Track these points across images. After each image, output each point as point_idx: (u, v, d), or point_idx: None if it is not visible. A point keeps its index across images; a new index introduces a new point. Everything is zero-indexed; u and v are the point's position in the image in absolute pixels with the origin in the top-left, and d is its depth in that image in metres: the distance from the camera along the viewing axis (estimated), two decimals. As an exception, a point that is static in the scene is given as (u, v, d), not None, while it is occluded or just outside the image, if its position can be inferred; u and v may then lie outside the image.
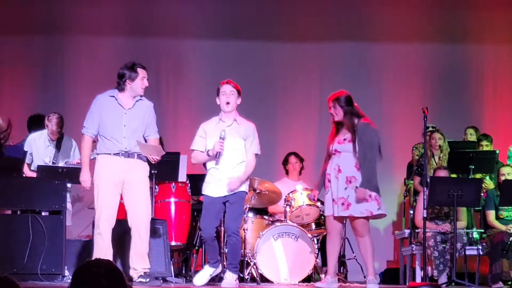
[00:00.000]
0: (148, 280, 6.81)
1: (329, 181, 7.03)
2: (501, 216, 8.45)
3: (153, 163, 6.97)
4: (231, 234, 6.96)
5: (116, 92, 6.93)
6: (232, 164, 6.99)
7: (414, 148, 9.60)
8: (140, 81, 6.89)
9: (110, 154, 6.83)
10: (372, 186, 6.90)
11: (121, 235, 6.93)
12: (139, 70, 6.90)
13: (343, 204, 6.91)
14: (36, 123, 8.83)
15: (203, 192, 7.10)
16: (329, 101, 7.09)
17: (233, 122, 7.04)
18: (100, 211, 6.77)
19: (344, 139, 6.97)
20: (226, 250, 7.35)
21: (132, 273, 6.86)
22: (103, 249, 6.71)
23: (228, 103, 6.98)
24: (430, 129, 9.13)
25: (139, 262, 6.84)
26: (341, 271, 8.50)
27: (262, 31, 10.74)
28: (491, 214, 8.46)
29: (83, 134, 6.95)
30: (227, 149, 6.96)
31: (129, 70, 6.89)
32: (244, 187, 7.07)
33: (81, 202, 9.51)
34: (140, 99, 6.97)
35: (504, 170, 8.48)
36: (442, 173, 8.27)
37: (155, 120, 7.09)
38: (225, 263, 7.27)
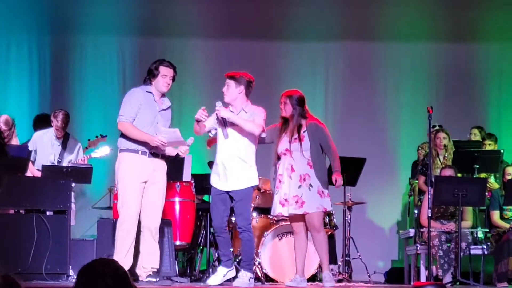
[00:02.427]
0: (157, 279, 6.81)
1: (280, 181, 7.05)
2: (505, 216, 8.44)
3: (183, 156, 7.00)
4: (242, 231, 6.96)
5: (150, 88, 6.87)
6: (235, 155, 6.94)
7: (419, 148, 9.57)
8: (161, 79, 6.85)
9: (138, 152, 6.79)
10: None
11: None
12: (161, 68, 6.86)
13: (296, 202, 6.96)
14: (42, 122, 8.83)
15: (211, 183, 7.10)
16: (282, 97, 7.13)
17: (240, 111, 7.02)
18: (128, 209, 6.73)
19: (295, 138, 6.99)
20: (239, 249, 7.33)
21: (140, 271, 6.85)
22: (127, 247, 6.68)
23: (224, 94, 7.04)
24: (437, 127, 9.11)
25: (149, 260, 6.84)
26: (346, 270, 8.49)
27: (266, 31, 10.73)
28: (495, 214, 8.45)
29: (121, 122, 6.77)
30: (230, 140, 6.94)
31: (153, 67, 6.86)
32: (250, 182, 7.01)
33: (85, 201, 9.51)
34: (166, 97, 6.98)
35: (509, 170, 8.46)
36: (449, 172, 8.25)
37: None
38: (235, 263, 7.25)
